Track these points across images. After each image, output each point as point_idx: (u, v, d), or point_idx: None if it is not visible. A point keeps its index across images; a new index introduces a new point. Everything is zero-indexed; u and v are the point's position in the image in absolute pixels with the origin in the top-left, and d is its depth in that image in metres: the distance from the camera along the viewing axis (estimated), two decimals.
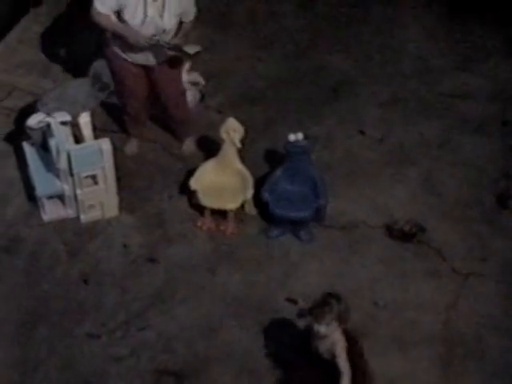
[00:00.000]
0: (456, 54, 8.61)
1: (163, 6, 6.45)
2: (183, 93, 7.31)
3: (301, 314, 6.34)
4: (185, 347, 6.37)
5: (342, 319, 5.53)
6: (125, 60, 6.78)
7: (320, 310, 5.47)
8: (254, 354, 6.36)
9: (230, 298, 6.65)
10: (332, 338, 5.53)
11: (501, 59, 8.53)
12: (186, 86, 7.46)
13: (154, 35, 6.48)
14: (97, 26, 6.65)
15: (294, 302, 6.63)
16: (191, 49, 6.61)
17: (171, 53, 6.64)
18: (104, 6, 6.46)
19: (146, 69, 6.85)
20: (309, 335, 5.71)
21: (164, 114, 7.44)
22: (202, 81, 7.75)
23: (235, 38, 8.61)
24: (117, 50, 6.75)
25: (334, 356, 5.55)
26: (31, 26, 8.66)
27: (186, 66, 7.47)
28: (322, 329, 5.47)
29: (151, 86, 7.04)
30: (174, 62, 6.84)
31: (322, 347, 5.61)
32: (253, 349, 6.39)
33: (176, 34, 6.65)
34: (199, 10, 6.72)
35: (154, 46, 6.56)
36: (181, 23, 6.66)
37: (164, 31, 6.52)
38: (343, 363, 5.54)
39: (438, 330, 6.49)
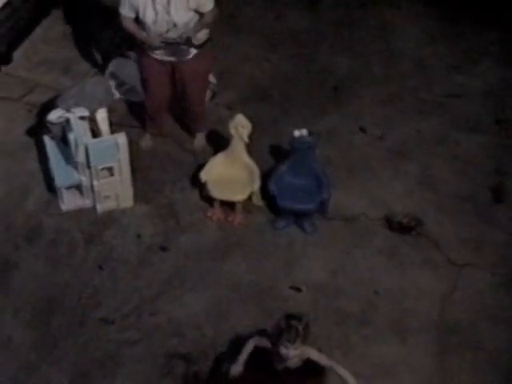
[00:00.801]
0: (452, 55, 8.57)
1: (168, 3, 6.36)
2: (207, 87, 7.29)
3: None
4: (194, 331, 6.30)
5: (305, 337, 5.30)
6: (152, 58, 6.74)
7: (288, 335, 5.22)
8: None
9: (237, 285, 6.58)
10: (300, 354, 5.39)
11: (493, 61, 8.49)
12: (211, 79, 7.47)
13: (168, 31, 6.42)
14: (125, 31, 6.66)
15: (297, 289, 6.57)
16: (199, 40, 6.56)
17: (185, 48, 6.58)
18: (127, 11, 6.49)
19: (174, 66, 6.79)
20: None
21: (182, 110, 7.40)
22: (214, 80, 7.75)
23: (244, 40, 8.57)
24: (146, 48, 6.69)
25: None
26: (53, 26, 8.63)
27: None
28: (291, 353, 5.28)
29: (176, 84, 6.97)
30: (198, 61, 6.78)
31: (291, 364, 5.47)
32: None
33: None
34: None
35: (169, 45, 6.51)
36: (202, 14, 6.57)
37: (175, 26, 6.43)
38: (326, 361, 5.48)
39: (434, 318, 6.42)
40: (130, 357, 6.14)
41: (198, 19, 6.53)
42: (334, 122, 7.80)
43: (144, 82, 7.06)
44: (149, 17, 6.42)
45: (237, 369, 5.57)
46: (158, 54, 6.70)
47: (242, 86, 8.08)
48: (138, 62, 7.01)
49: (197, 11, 6.49)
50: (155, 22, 6.42)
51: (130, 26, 6.57)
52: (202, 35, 6.62)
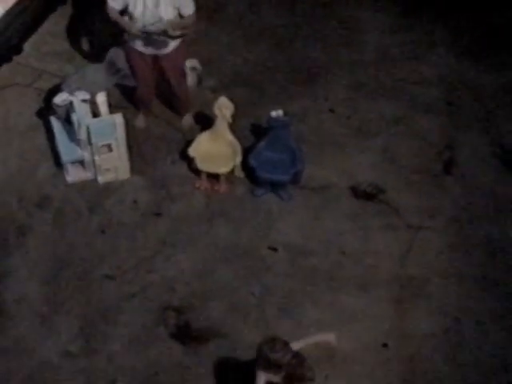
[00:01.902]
0: (410, 45, 8.51)
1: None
2: (185, 76, 7.26)
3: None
4: (184, 287, 6.38)
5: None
6: (138, 52, 6.75)
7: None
8: (241, 292, 6.37)
9: (222, 247, 6.65)
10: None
11: (446, 50, 8.44)
12: (187, 70, 7.37)
13: (153, 24, 6.42)
14: (110, 19, 6.64)
15: (274, 249, 6.62)
16: (175, 32, 6.54)
17: (162, 39, 6.58)
18: (115, 2, 6.48)
19: (156, 58, 6.81)
20: None
21: (168, 94, 7.39)
22: (199, 66, 7.71)
23: (227, 32, 8.50)
24: (132, 44, 6.71)
25: None
26: (59, 21, 8.55)
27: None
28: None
29: (159, 72, 6.99)
30: (179, 52, 6.83)
31: None
32: (241, 288, 6.40)
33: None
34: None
35: (147, 34, 6.51)
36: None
37: (161, 20, 6.44)
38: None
39: (393, 274, 6.51)
40: (128, 308, 6.22)
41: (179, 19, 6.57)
42: (306, 103, 7.79)
43: (131, 70, 7.09)
44: (138, 10, 6.42)
45: None
46: (140, 46, 6.69)
47: (226, 72, 8.05)
48: (127, 57, 7.00)
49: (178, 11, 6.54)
50: (144, 14, 6.42)
51: (114, 15, 6.54)
52: (179, 32, 6.60)
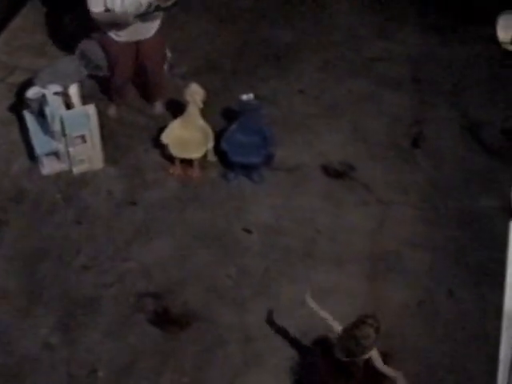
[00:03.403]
0: (377, 24, 8.42)
1: None
2: (165, 58, 7.18)
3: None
4: (161, 273, 6.26)
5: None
6: (119, 42, 6.66)
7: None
8: (219, 276, 6.26)
9: (197, 231, 6.52)
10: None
11: (412, 28, 8.35)
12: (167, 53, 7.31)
13: (136, 9, 6.36)
14: (97, 23, 6.57)
15: (248, 231, 6.53)
16: (167, 3, 6.44)
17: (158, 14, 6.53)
18: (97, 7, 6.39)
19: (137, 44, 6.72)
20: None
21: (142, 81, 7.29)
22: (169, 53, 7.53)
23: (196, 18, 8.36)
24: (113, 35, 6.62)
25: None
26: (29, 15, 8.38)
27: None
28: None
29: (139, 59, 6.89)
30: (159, 37, 6.75)
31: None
32: (217, 271, 6.29)
33: None
34: None
35: (142, 17, 6.44)
36: None
37: (141, 5, 6.36)
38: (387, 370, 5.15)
39: (366, 249, 6.43)
40: (106, 297, 6.09)
41: None
42: (276, 86, 7.68)
43: (112, 63, 6.93)
44: (117, 2, 6.33)
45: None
46: (123, 36, 6.60)
47: (196, 58, 7.91)
48: (106, 48, 6.84)
49: None
50: (122, 4, 6.32)
51: (104, 17, 6.45)
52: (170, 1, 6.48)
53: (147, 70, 7.04)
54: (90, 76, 7.44)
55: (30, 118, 6.92)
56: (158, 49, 6.91)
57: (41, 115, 6.82)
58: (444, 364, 5.79)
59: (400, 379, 5.10)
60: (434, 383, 5.72)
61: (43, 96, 6.69)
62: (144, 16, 6.47)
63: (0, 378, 5.67)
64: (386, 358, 5.23)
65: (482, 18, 8.00)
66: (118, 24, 6.50)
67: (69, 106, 6.76)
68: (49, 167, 6.87)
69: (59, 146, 6.73)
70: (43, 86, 6.77)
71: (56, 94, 6.68)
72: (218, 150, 6.86)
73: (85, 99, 6.91)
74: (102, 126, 6.91)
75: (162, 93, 7.36)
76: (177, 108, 7.12)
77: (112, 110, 7.34)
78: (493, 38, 7.37)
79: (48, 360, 5.73)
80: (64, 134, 6.64)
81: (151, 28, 6.66)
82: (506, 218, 6.53)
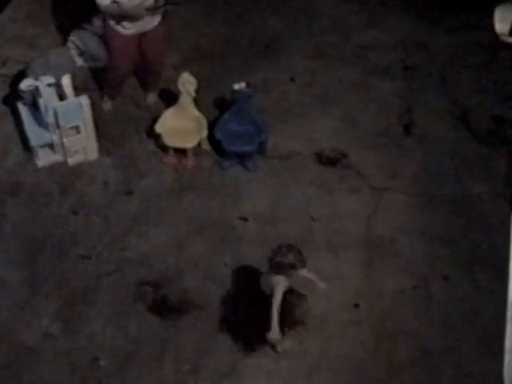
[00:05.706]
0: (366, 12, 8.40)
1: None
2: (165, 48, 7.12)
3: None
4: (159, 261, 6.29)
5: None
6: (122, 35, 6.60)
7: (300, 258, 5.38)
8: (216, 263, 6.30)
9: (194, 219, 6.56)
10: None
11: (401, 16, 8.32)
12: None
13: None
14: (111, 15, 6.47)
15: (244, 219, 6.57)
16: None
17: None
18: (104, 0, 6.30)
19: (141, 36, 6.66)
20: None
21: (143, 73, 7.24)
22: None
23: (185, 9, 8.23)
24: (120, 28, 6.56)
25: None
26: (21, 6, 8.30)
27: None
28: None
29: (142, 49, 6.81)
30: (161, 26, 6.73)
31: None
32: (214, 259, 6.33)
33: None
34: None
35: (151, 10, 6.42)
36: None
37: None
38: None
39: (360, 235, 6.48)
40: (106, 286, 6.13)
41: None
42: (267, 74, 7.67)
43: (115, 57, 6.85)
44: None
45: (275, 335, 5.33)
46: (131, 29, 6.54)
47: (187, 48, 7.88)
48: (112, 43, 6.75)
49: None
50: None
51: (115, 9, 6.35)
52: None
53: (151, 61, 6.98)
54: (83, 67, 7.42)
55: (23, 110, 6.88)
56: (162, 38, 6.85)
57: (34, 107, 6.80)
58: (439, 347, 5.88)
59: (320, 283, 5.63)
60: (430, 367, 5.81)
61: (36, 88, 6.65)
62: (156, 10, 6.45)
63: (1, 369, 5.70)
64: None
65: (470, 5, 8.06)
66: (129, 17, 6.43)
67: (62, 97, 6.72)
68: (44, 159, 6.86)
69: (53, 137, 6.71)
70: (36, 78, 6.74)
71: (49, 85, 6.64)
72: (211, 138, 6.87)
73: (78, 90, 6.87)
74: (96, 117, 6.88)
75: (158, 82, 7.33)
76: (170, 98, 7.11)
77: (106, 103, 7.31)
78: (481, 25, 7.47)
79: (49, 350, 5.77)
80: (58, 126, 6.61)
81: (156, 18, 6.62)
82: (497, 202, 6.65)
